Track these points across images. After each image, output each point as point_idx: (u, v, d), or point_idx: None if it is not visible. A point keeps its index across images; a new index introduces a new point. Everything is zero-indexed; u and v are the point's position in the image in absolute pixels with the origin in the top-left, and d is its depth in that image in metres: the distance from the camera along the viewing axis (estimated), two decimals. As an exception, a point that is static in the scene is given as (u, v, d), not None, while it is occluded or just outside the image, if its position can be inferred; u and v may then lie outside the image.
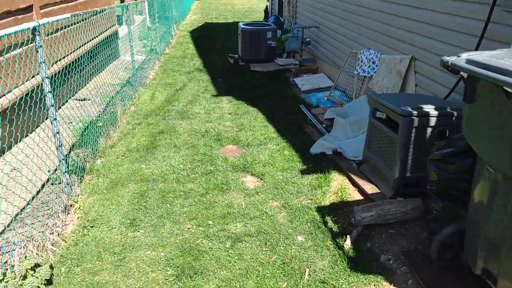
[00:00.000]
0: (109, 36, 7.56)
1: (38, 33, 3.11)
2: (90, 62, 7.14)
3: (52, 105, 3.36)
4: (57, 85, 3.84)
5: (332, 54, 7.21)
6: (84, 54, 6.56)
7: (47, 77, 3.26)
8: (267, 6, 12.91)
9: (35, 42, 3.13)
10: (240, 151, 4.74)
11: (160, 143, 4.91)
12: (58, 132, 3.45)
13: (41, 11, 5.43)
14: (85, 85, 7.03)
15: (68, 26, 6.10)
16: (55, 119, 3.41)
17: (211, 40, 12.60)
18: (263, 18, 13.22)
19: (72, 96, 6.22)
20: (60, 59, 5.78)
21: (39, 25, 3.09)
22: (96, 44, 6.94)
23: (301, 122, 5.57)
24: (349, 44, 6.34)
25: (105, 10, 5.49)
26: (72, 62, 5.86)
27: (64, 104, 5.83)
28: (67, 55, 5.99)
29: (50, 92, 3.29)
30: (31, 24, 3.00)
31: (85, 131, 4.89)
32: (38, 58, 3.17)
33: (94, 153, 4.46)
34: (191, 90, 7.22)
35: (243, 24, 9.52)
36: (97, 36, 7.28)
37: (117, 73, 7.51)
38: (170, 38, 12.38)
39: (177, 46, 11.75)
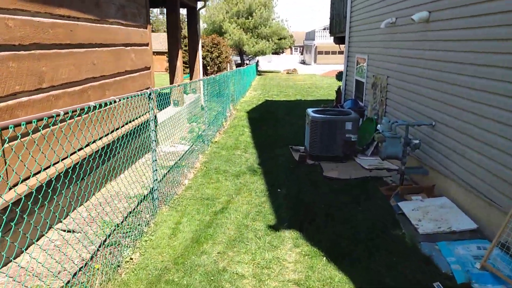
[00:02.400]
0: (136, 126, 5.39)
1: None
2: (98, 166, 4.89)
3: None
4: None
5: (467, 171, 4.28)
6: (87, 158, 4.30)
7: None
8: (339, 87, 10.44)
9: None
10: None
11: None
12: None
13: (3, 103, 3.25)
14: (89, 199, 4.72)
15: (66, 120, 3.91)
16: None
17: (271, 124, 10.26)
18: (335, 100, 10.75)
19: (60, 221, 3.86)
20: (38, 172, 3.51)
21: None
22: (112, 141, 4.73)
23: None
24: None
25: (117, 101, 3.22)
26: (65, 172, 3.59)
27: (42, 235, 3.44)
28: (54, 163, 3.73)
29: None
30: None
31: None
32: None
33: None
34: (237, 213, 4.58)
35: (312, 111, 7.03)
36: (113, 131, 5.08)
37: (140, 177, 5.21)
38: (224, 121, 10.25)
39: (230, 130, 9.50)
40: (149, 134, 4.42)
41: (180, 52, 9.30)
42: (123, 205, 4.71)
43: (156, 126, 7.21)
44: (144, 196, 4.78)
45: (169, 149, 7.32)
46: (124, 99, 3.62)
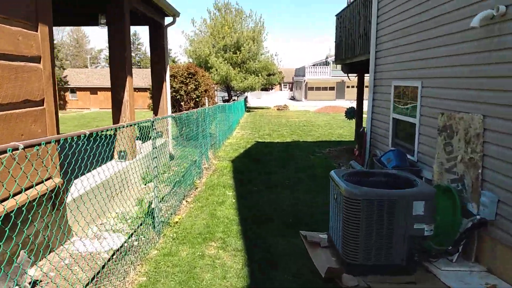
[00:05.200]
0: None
1: None
2: None
3: None
4: None
5: None
6: None
7: None
8: (363, 129, 7.09)
9: None
10: None
11: None
12: None
13: None
14: None
15: None
16: None
17: (264, 181, 6.89)
18: (357, 147, 7.43)
19: None
20: None
21: None
22: None
23: None
24: None
25: None
26: None
27: None
28: None
29: None
30: None
31: None
32: None
33: None
34: None
35: (343, 178, 3.74)
36: None
37: None
38: (197, 178, 6.85)
39: (205, 195, 6.08)
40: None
41: (129, 80, 6.04)
42: None
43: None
44: None
45: (86, 246, 3.85)
46: None
